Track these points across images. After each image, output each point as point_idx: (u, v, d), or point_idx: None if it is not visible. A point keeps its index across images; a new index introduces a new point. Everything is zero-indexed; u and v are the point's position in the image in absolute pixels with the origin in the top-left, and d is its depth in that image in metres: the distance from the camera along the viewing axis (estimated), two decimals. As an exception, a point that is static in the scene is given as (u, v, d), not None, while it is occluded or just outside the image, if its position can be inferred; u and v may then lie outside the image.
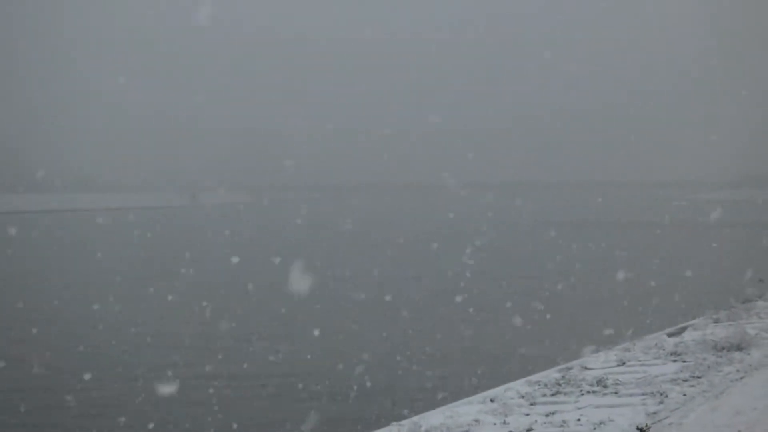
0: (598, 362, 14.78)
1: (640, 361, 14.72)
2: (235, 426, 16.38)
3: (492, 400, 12.16)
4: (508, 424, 10.88)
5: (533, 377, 13.96)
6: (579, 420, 10.90)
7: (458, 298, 30.80)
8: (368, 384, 19.15)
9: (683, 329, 18.34)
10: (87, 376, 19.71)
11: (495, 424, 10.90)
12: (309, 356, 22.50)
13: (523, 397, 12.32)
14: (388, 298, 32.13)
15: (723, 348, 15.01)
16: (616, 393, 12.39)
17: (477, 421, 11.01)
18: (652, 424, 10.48)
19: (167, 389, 18.34)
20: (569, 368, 14.36)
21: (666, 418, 10.79)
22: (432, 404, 13.83)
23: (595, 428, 10.54)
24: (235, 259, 45.12)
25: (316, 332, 24.64)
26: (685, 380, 12.91)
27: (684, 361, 14.33)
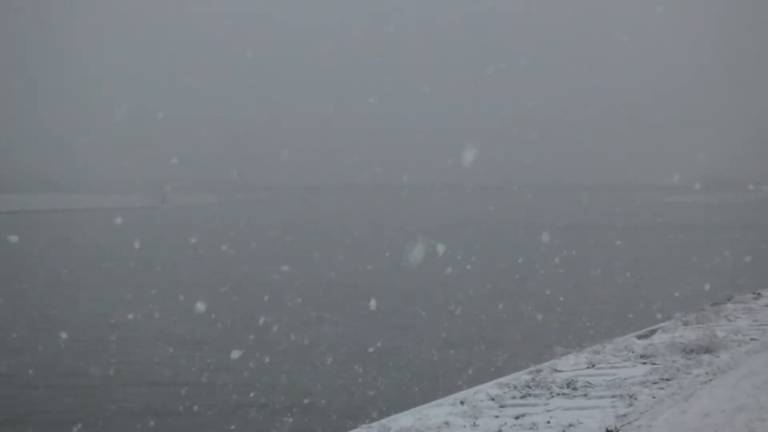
0: (568, 364, 14.77)
1: (609, 363, 14.73)
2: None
3: (462, 403, 12.12)
4: (478, 426, 10.86)
5: (503, 379, 13.93)
6: (548, 422, 10.89)
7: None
8: (337, 386, 19.05)
9: (653, 332, 18.39)
10: None
11: (465, 426, 10.87)
12: (274, 360, 22.01)
13: (493, 399, 12.29)
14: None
15: (692, 350, 15.05)
16: (585, 395, 12.39)
17: (447, 423, 10.97)
18: (621, 426, 10.49)
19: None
20: (539, 370, 14.35)
21: (635, 420, 10.80)
22: (401, 406, 13.76)
23: (564, 430, 10.54)
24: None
25: (284, 333, 24.46)
26: (655, 383, 12.93)
27: (653, 364, 14.36)
